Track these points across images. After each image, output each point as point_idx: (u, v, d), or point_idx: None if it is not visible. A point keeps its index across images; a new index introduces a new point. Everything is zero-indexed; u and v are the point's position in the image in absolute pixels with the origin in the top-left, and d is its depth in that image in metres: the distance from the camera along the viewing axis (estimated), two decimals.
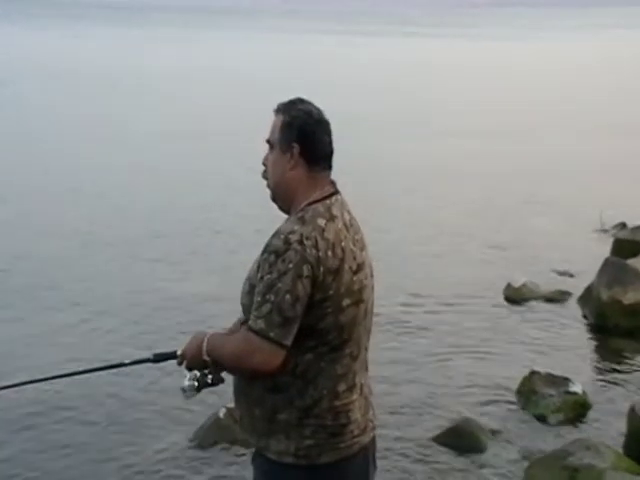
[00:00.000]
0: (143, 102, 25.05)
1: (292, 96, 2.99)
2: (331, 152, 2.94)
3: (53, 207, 12.78)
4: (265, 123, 3.04)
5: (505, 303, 9.01)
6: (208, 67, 35.30)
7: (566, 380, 6.66)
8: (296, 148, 2.87)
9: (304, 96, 3.00)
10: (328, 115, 2.95)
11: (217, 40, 53.47)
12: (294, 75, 29.66)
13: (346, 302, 2.80)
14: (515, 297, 9.03)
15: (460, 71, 34.94)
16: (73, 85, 28.80)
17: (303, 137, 2.87)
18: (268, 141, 2.95)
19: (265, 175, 2.98)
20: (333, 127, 2.93)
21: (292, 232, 2.75)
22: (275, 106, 2.95)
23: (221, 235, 11.39)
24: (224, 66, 36.17)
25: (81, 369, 3.30)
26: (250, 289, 2.84)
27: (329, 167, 2.94)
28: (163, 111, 23.22)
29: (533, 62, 39.63)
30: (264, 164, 2.98)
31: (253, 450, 2.99)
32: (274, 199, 2.97)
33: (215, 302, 8.48)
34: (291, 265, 2.70)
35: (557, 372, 6.76)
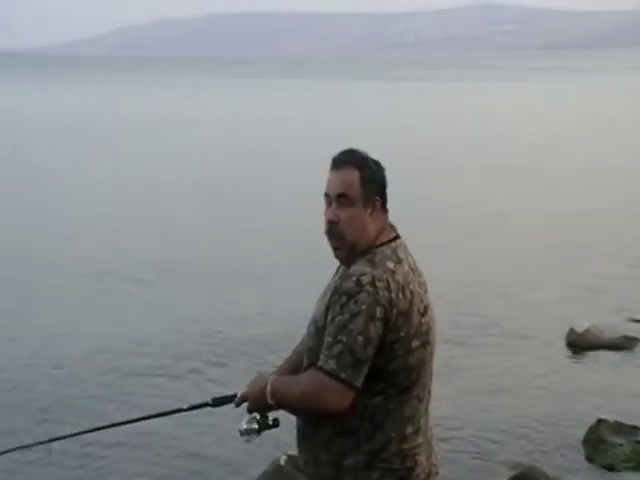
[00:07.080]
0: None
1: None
2: None
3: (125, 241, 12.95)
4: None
5: (568, 348, 8.82)
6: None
7: (635, 429, 6.50)
8: (378, 202, 2.86)
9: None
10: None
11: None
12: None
13: (415, 344, 2.78)
14: (578, 342, 8.83)
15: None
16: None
17: (382, 189, 2.88)
18: (339, 195, 2.82)
19: (333, 231, 2.84)
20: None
21: (363, 274, 2.72)
22: (337, 160, 2.85)
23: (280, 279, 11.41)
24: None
25: (138, 417, 3.25)
26: (316, 331, 2.81)
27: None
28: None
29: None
30: (332, 220, 2.84)
31: None
32: (349, 253, 2.83)
33: (270, 345, 8.48)
34: (364, 307, 2.68)
35: (626, 420, 6.58)
